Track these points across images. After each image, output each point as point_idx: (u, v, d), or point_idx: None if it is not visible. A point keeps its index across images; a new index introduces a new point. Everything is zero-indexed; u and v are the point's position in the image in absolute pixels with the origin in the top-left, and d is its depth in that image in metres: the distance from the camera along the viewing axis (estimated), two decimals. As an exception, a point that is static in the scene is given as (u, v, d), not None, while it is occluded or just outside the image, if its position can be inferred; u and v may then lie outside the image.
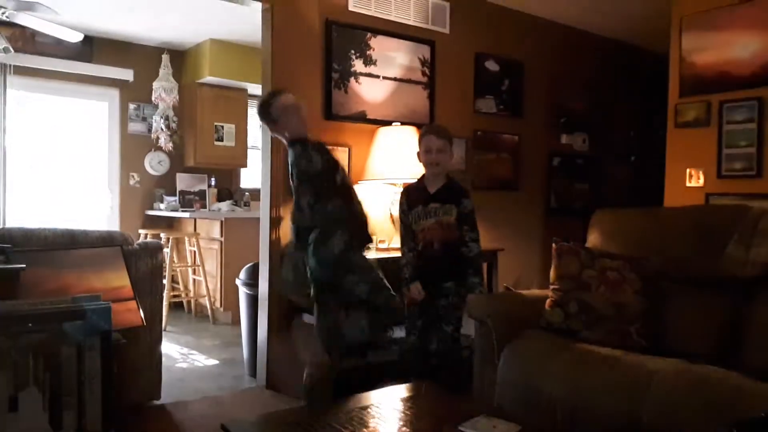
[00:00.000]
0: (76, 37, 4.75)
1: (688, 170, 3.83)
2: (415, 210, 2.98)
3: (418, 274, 2.94)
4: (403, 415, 1.81)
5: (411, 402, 1.92)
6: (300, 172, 2.69)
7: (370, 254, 3.02)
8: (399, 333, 3.72)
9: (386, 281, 2.83)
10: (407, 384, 2.09)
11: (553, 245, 2.75)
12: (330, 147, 3.77)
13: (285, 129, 2.81)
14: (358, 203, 2.84)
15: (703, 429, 1.81)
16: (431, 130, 3.05)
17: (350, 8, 3.86)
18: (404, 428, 1.71)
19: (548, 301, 2.63)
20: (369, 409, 1.85)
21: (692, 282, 2.51)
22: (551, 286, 2.67)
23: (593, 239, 2.93)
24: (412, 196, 3.01)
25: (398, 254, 3.63)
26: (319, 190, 2.68)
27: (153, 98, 5.96)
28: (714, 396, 1.89)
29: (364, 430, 1.69)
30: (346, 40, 3.84)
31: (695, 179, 3.80)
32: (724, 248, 2.43)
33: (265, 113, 2.87)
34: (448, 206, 2.91)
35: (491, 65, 4.64)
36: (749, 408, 1.75)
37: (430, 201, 2.94)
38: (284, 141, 2.84)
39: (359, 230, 2.80)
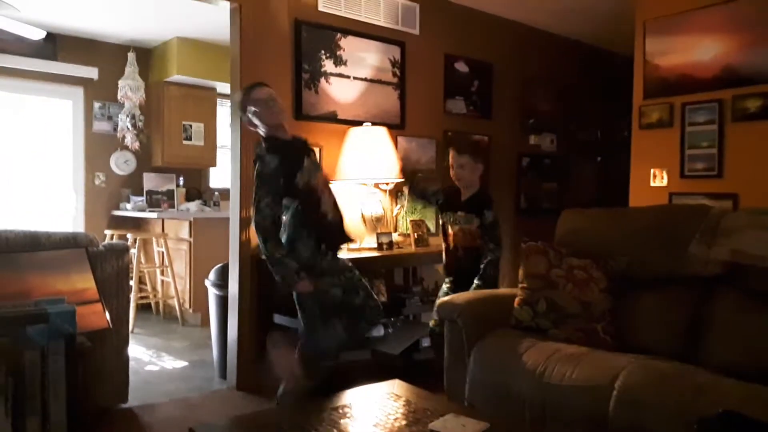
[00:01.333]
0: (38, 35, 4.64)
1: (652, 170, 3.92)
2: (447, 213, 3.23)
3: (450, 271, 3.24)
4: (374, 415, 1.82)
5: (382, 401, 1.92)
6: (257, 173, 2.67)
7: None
8: (377, 332, 3.74)
9: (364, 281, 2.83)
10: (378, 383, 2.09)
11: (522, 245, 2.79)
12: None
13: (257, 126, 2.79)
14: (329, 203, 2.82)
15: (666, 424, 1.86)
16: (453, 145, 3.32)
17: (320, 8, 3.85)
18: (375, 428, 1.71)
19: (517, 299, 2.67)
20: (340, 409, 1.85)
21: (656, 280, 2.57)
22: (520, 285, 2.71)
23: (561, 239, 2.98)
24: (449, 199, 3.25)
25: (370, 254, 3.66)
26: (276, 191, 2.63)
27: (119, 97, 5.84)
28: (677, 392, 1.94)
29: (335, 430, 1.69)
30: (316, 40, 3.83)
31: (659, 179, 3.88)
32: (686, 247, 2.49)
33: (239, 109, 2.85)
34: (470, 216, 3.12)
35: (461, 66, 4.68)
36: (711, 403, 1.80)
37: (459, 208, 3.17)
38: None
39: (328, 232, 2.78)
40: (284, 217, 2.71)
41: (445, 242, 3.26)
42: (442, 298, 2.80)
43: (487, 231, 3.08)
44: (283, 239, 2.69)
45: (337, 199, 2.91)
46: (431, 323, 3.26)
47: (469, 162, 3.14)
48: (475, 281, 3.04)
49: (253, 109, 2.75)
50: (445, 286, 3.27)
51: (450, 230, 3.20)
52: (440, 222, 3.34)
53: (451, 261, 3.22)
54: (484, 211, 3.09)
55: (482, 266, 3.05)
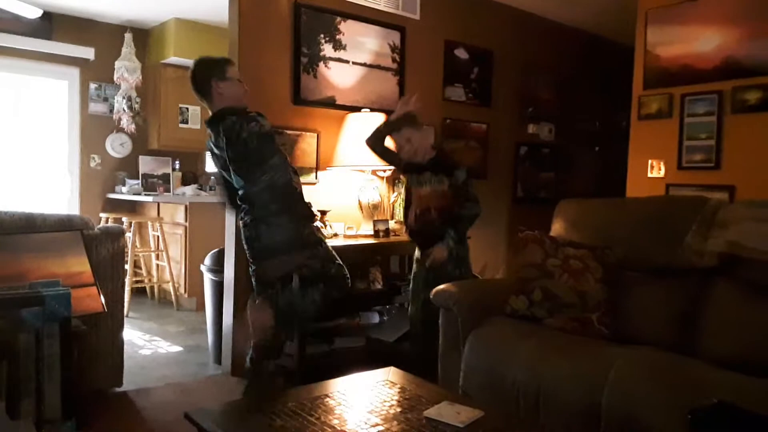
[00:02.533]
0: (34, 13, 4.59)
1: (649, 161, 3.91)
2: (412, 174, 3.10)
3: (421, 235, 3.09)
4: (368, 401, 1.82)
5: (377, 388, 1.92)
6: (259, 131, 2.46)
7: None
8: (367, 319, 3.75)
9: (333, 251, 2.74)
10: (373, 371, 2.09)
11: (518, 234, 2.78)
12: (298, 132, 3.76)
13: (227, 99, 2.57)
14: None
15: (660, 415, 1.87)
16: (386, 131, 3.14)
17: (320, -9, 3.82)
18: (370, 415, 1.72)
19: (513, 288, 2.67)
20: (335, 396, 1.85)
21: (652, 271, 2.57)
22: (516, 274, 2.71)
23: (557, 228, 2.98)
24: (407, 164, 3.11)
25: (366, 241, 3.66)
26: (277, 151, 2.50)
27: (115, 78, 5.80)
28: (671, 383, 1.95)
29: (330, 417, 1.70)
30: (315, 23, 3.79)
31: (656, 170, 3.88)
32: (683, 239, 2.49)
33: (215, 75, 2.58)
34: (440, 176, 3.00)
35: (461, 53, 4.65)
36: (705, 394, 1.80)
37: (424, 169, 3.04)
38: (212, 110, 2.59)
39: (305, 203, 2.67)
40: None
41: (412, 205, 3.12)
42: (439, 287, 2.77)
43: (462, 190, 2.98)
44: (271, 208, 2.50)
45: None
46: (410, 313, 3.25)
47: (413, 133, 3.02)
48: (451, 234, 2.95)
49: (227, 83, 2.57)
50: (414, 268, 3.19)
51: (420, 192, 3.06)
52: (407, 184, 3.19)
53: (421, 222, 3.06)
54: (455, 171, 2.98)
55: (457, 220, 2.97)
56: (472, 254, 3.21)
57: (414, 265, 3.24)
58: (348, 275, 2.71)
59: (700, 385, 1.91)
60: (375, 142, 3.19)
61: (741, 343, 2.20)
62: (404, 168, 3.19)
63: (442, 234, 2.99)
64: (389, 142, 3.22)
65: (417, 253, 3.21)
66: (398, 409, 1.76)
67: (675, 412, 1.79)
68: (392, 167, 3.79)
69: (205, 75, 2.59)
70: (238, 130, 2.45)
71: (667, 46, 3.84)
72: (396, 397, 1.86)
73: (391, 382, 1.98)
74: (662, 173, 3.86)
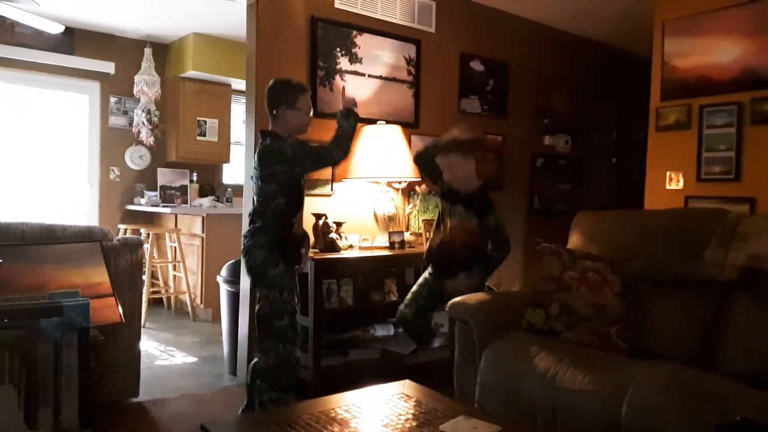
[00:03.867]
0: (56, 29, 4.67)
1: (668, 173, 3.87)
2: (447, 202, 3.09)
3: (439, 261, 3.14)
4: (383, 415, 1.81)
5: (392, 401, 1.91)
6: (311, 147, 2.76)
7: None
8: (382, 331, 3.74)
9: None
10: (389, 384, 2.08)
11: (536, 246, 2.76)
12: (315, 144, 3.79)
13: (290, 128, 2.76)
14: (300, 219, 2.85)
15: (681, 431, 1.83)
16: (436, 148, 3.12)
17: (336, 5, 3.85)
18: (384, 428, 1.70)
19: (530, 301, 2.65)
20: (350, 409, 1.84)
21: (671, 284, 2.54)
22: (533, 287, 2.69)
23: (575, 241, 2.95)
24: (451, 189, 3.08)
25: (381, 252, 3.66)
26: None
27: (135, 92, 5.88)
28: (692, 399, 1.91)
29: (344, 430, 1.69)
30: (331, 37, 3.83)
31: (675, 182, 3.84)
32: (703, 251, 2.46)
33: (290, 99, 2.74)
34: (470, 214, 3.00)
35: (476, 65, 4.65)
36: (726, 410, 1.77)
37: (459, 202, 3.03)
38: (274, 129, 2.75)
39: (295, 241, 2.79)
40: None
41: (439, 231, 3.13)
42: (455, 299, 2.77)
43: (492, 236, 2.99)
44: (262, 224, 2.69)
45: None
46: (400, 312, 3.27)
47: (457, 159, 2.98)
48: (477, 271, 3.01)
49: (294, 113, 2.73)
50: (426, 274, 3.22)
51: (449, 222, 3.07)
52: (439, 207, 3.19)
53: (445, 252, 3.08)
54: (486, 215, 2.98)
55: (487, 260, 3.00)
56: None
57: (427, 273, 3.23)
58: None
59: (722, 400, 1.87)
60: (423, 159, 3.22)
61: (762, 356, 2.16)
62: (442, 193, 3.17)
63: (466, 265, 3.02)
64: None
65: (430, 269, 3.23)
66: (413, 423, 1.75)
67: (696, 428, 1.76)
68: (408, 179, 3.80)
69: (276, 100, 2.73)
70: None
71: (685, 57, 3.81)
72: (411, 411, 1.84)
73: (407, 396, 1.97)
74: (681, 185, 3.81)
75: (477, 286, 3.01)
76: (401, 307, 3.27)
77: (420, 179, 3.85)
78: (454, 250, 3.05)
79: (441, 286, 3.12)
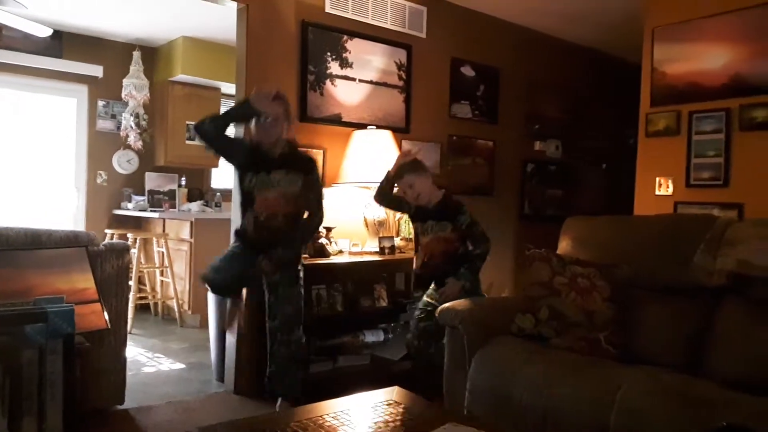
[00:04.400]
0: (44, 32, 4.64)
1: (657, 179, 3.89)
2: (417, 223, 3.18)
3: (426, 282, 3.21)
4: (372, 422, 1.79)
5: (380, 408, 1.89)
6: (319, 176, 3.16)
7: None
8: (372, 337, 3.72)
9: None
10: (377, 390, 2.06)
11: (526, 252, 2.76)
12: (304, 149, 3.78)
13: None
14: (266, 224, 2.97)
15: (670, 437, 1.83)
16: (388, 175, 3.21)
17: (327, 10, 3.84)
18: (374, 436, 1.69)
19: (520, 306, 2.64)
20: (338, 416, 1.82)
21: (660, 290, 2.54)
22: (523, 292, 2.68)
23: (564, 246, 2.96)
24: (419, 209, 3.14)
25: (370, 257, 3.65)
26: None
27: (123, 95, 5.84)
28: (680, 404, 1.91)
29: (333, 437, 1.67)
30: (322, 41, 3.82)
31: (664, 188, 3.86)
32: (691, 257, 2.46)
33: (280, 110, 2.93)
34: (443, 223, 3.05)
35: (467, 70, 4.66)
36: (714, 415, 1.77)
37: (428, 217, 3.09)
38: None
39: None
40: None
41: (418, 253, 3.21)
42: (445, 305, 2.76)
43: (468, 234, 3.04)
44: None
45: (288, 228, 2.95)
46: (407, 340, 3.29)
47: (414, 178, 3.04)
48: (463, 272, 3.01)
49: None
50: (425, 296, 3.21)
51: (424, 240, 3.12)
52: (414, 231, 3.29)
53: (429, 270, 3.14)
54: (458, 216, 3.02)
55: (471, 259, 3.03)
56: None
57: (425, 295, 3.22)
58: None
59: (710, 406, 1.87)
60: (382, 196, 3.26)
61: (750, 362, 2.16)
62: (412, 218, 3.26)
63: (453, 271, 3.03)
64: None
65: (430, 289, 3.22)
66: (402, 430, 1.73)
67: (686, 434, 1.75)
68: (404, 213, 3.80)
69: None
70: None
71: (674, 64, 3.83)
72: (400, 418, 1.82)
73: (396, 402, 1.95)
74: (670, 191, 3.83)
75: (469, 288, 3.02)
76: (407, 336, 3.29)
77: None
78: (436, 264, 3.09)
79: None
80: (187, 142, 6.06)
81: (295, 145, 3.04)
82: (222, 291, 3.18)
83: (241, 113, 2.95)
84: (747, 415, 1.76)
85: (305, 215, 3.02)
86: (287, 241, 2.94)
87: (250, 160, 2.95)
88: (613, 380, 2.09)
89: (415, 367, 3.31)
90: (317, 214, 3.00)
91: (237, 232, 3.11)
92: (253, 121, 2.92)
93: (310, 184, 2.96)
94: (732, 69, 3.58)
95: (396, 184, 3.16)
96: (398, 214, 4.08)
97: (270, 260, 2.91)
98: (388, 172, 3.19)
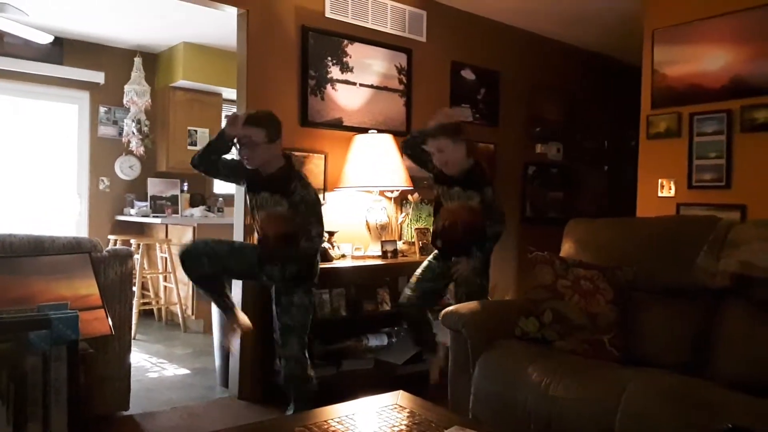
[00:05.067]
0: (45, 39, 4.65)
1: (659, 180, 3.89)
2: (442, 186, 3.08)
3: (444, 246, 3.14)
4: (377, 426, 1.79)
5: (385, 413, 1.90)
6: (312, 199, 2.84)
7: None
8: (375, 341, 3.72)
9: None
10: (382, 394, 2.07)
11: (528, 254, 2.76)
12: (306, 153, 3.78)
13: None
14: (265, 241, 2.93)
15: (675, 439, 1.83)
16: (425, 132, 3.10)
17: (327, 15, 3.85)
18: (379, 440, 1.69)
19: (523, 310, 2.64)
20: (342, 420, 1.82)
21: (664, 292, 2.54)
22: (526, 296, 2.68)
23: (567, 249, 2.95)
24: (441, 174, 3.07)
25: (374, 262, 3.65)
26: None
27: (125, 101, 5.86)
28: (684, 406, 1.91)
29: (339, 442, 1.67)
30: (322, 46, 3.83)
31: (667, 189, 3.86)
32: (694, 259, 2.46)
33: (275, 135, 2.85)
34: (470, 192, 2.99)
35: (467, 74, 4.67)
36: (719, 417, 1.77)
37: (454, 183, 3.02)
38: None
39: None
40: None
41: (439, 214, 3.13)
42: (448, 309, 2.76)
43: (487, 208, 2.98)
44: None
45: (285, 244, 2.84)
46: (404, 297, 3.28)
47: (448, 143, 2.95)
48: (477, 252, 2.98)
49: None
50: (431, 257, 3.23)
51: (448, 206, 3.06)
52: (436, 192, 3.19)
53: (448, 236, 3.07)
54: (484, 188, 2.96)
55: (486, 239, 2.99)
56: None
57: (432, 257, 3.24)
58: None
59: (713, 408, 1.87)
60: (410, 147, 3.20)
61: (754, 363, 2.16)
62: (435, 178, 3.16)
63: (467, 248, 2.99)
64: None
65: (435, 253, 3.24)
66: (407, 434, 1.73)
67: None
68: (400, 188, 3.80)
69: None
70: None
71: (674, 66, 3.84)
72: (405, 422, 1.83)
73: (400, 406, 1.95)
74: (672, 192, 3.83)
75: (480, 269, 3.04)
76: (405, 291, 3.27)
77: (412, 188, 3.85)
78: (456, 232, 3.04)
79: (447, 270, 3.11)
80: (189, 147, 6.07)
81: (289, 163, 2.92)
82: (193, 268, 2.84)
83: (220, 143, 2.84)
84: (751, 417, 1.76)
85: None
86: (280, 261, 2.83)
87: (250, 180, 2.93)
88: (617, 383, 2.09)
89: (409, 324, 3.38)
90: (307, 239, 2.77)
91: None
92: (236, 148, 2.86)
93: (294, 206, 2.78)
94: (732, 70, 3.58)
95: (428, 142, 3.03)
96: (400, 217, 4.08)
97: (268, 278, 2.88)
98: (425, 127, 3.11)
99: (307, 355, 2.92)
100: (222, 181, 3.16)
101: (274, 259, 2.82)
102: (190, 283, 5.18)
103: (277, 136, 2.84)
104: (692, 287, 2.46)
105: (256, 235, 2.99)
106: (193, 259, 2.79)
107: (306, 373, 2.89)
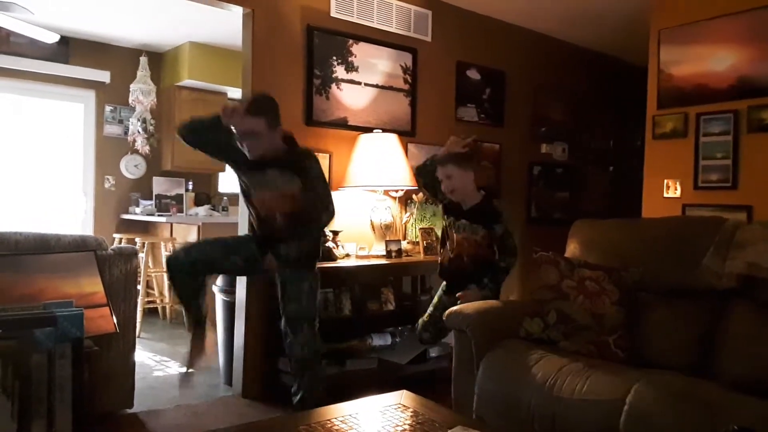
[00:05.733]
0: (51, 38, 4.67)
1: (665, 181, 3.87)
2: (450, 217, 3.09)
3: (450, 276, 3.14)
4: (380, 425, 1.79)
5: (389, 412, 1.89)
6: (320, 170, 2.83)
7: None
8: (379, 341, 3.72)
9: None
10: (386, 394, 2.06)
11: (533, 255, 2.75)
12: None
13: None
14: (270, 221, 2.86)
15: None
16: (436, 158, 3.09)
17: (332, 14, 3.85)
18: (383, 439, 1.68)
19: (528, 310, 2.63)
20: (346, 420, 1.82)
21: (669, 293, 2.53)
22: (531, 296, 2.67)
23: (572, 249, 2.95)
24: (453, 203, 3.07)
25: (378, 261, 3.65)
26: None
27: (130, 101, 5.88)
28: (690, 408, 1.90)
29: (342, 441, 1.67)
30: (327, 46, 3.83)
31: (672, 190, 3.84)
32: (700, 260, 2.45)
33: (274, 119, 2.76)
34: (475, 226, 2.98)
35: (473, 74, 4.66)
36: (724, 419, 1.76)
37: (462, 216, 3.02)
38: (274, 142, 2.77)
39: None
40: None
41: (446, 246, 3.13)
42: (452, 309, 2.75)
43: (499, 244, 2.97)
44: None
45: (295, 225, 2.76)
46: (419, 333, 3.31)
47: (455, 170, 2.94)
48: (487, 282, 2.96)
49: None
50: (440, 292, 3.23)
51: (454, 236, 3.07)
52: (444, 223, 3.18)
53: (454, 267, 3.09)
54: (494, 225, 2.95)
55: (495, 270, 2.98)
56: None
57: (441, 290, 3.23)
58: None
59: (719, 409, 1.86)
60: (422, 172, 3.19)
61: (760, 365, 2.14)
62: (444, 208, 3.15)
63: (475, 278, 2.99)
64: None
65: (444, 285, 3.23)
66: (411, 434, 1.73)
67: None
68: (404, 188, 3.80)
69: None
70: None
71: (681, 66, 3.82)
72: (409, 422, 1.82)
73: (404, 406, 1.95)
74: (678, 193, 3.81)
75: (488, 297, 2.99)
76: (421, 331, 3.28)
77: (417, 188, 3.85)
78: (462, 264, 3.04)
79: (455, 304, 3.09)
80: (194, 146, 6.08)
81: (291, 142, 2.84)
82: (181, 273, 2.79)
83: (214, 130, 2.72)
84: (756, 418, 1.75)
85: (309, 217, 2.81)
86: (292, 239, 2.78)
87: (244, 162, 2.81)
88: (622, 384, 2.08)
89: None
90: (321, 216, 2.76)
91: (249, 224, 3.03)
92: (236, 137, 2.75)
93: (306, 183, 2.73)
94: (739, 70, 3.56)
95: (437, 169, 3.02)
96: (405, 217, 4.08)
97: (277, 257, 2.78)
98: (437, 153, 3.11)
99: (319, 339, 2.90)
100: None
101: (291, 238, 2.74)
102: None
103: (278, 121, 2.75)
104: (698, 288, 2.45)
105: (255, 215, 2.87)
106: (183, 270, 2.75)
107: (319, 358, 2.88)
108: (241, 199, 3.13)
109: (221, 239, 2.96)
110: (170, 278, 2.82)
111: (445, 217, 3.14)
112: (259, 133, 2.69)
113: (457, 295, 2.99)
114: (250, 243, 2.88)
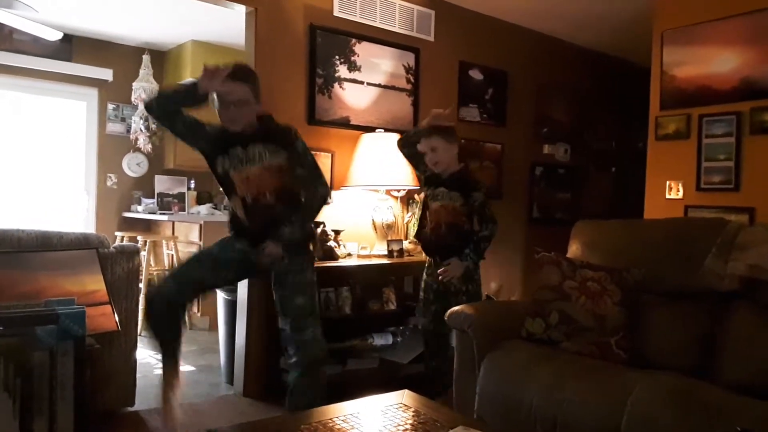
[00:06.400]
0: (55, 36, 4.67)
1: (668, 182, 3.87)
2: (430, 187, 3.11)
3: (431, 250, 3.14)
4: (382, 425, 1.79)
5: (390, 412, 1.89)
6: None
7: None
8: (381, 340, 3.72)
9: None
10: (387, 393, 2.06)
11: (535, 255, 2.75)
12: (313, 152, 3.79)
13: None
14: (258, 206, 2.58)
15: (682, 442, 1.82)
16: (420, 131, 3.09)
17: (335, 14, 3.85)
18: (384, 439, 1.68)
19: (529, 311, 2.63)
20: (347, 419, 1.82)
21: (671, 294, 2.53)
22: (532, 296, 2.67)
23: (574, 250, 2.94)
24: (433, 174, 3.10)
25: (380, 261, 3.65)
26: None
27: (133, 99, 5.88)
28: (691, 410, 1.90)
29: (344, 440, 1.67)
30: (330, 45, 3.82)
31: (675, 191, 3.84)
32: (702, 261, 2.45)
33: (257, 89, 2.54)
34: (454, 193, 3.00)
35: (475, 74, 4.66)
36: (725, 421, 1.76)
37: (440, 184, 3.04)
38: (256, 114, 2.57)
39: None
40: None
41: (425, 218, 3.15)
42: (454, 308, 2.75)
43: (478, 212, 2.99)
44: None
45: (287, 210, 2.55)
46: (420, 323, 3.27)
47: (441, 143, 2.98)
48: (468, 252, 2.97)
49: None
50: (425, 275, 3.20)
51: (432, 206, 3.08)
52: (424, 195, 3.19)
53: (433, 239, 3.09)
54: (472, 193, 2.98)
55: (476, 239, 2.98)
56: (488, 276, 3.19)
57: (424, 275, 3.23)
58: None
59: (721, 410, 1.86)
60: (405, 144, 3.20)
61: (762, 368, 2.15)
62: (425, 179, 3.19)
63: (458, 250, 2.99)
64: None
65: (428, 262, 3.21)
66: (413, 434, 1.73)
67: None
68: (406, 187, 3.80)
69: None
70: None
71: (684, 67, 3.81)
72: (410, 421, 1.82)
73: (405, 406, 1.95)
74: (681, 195, 3.81)
75: (472, 270, 3.02)
76: (421, 324, 3.28)
77: (419, 187, 3.84)
78: (440, 234, 3.05)
79: (445, 285, 3.07)
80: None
81: (270, 119, 2.62)
82: (161, 307, 2.54)
83: (189, 96, 2.43)
84: (757, 420, 1.75)
85: (302, 194, 2.60)
86: (290, 218, 2.51)
87: (218, 143, 2.55)
88: (624, 385, 2.08)
89: (429, 351, 3.28)
90: (317, 189, 2.57)
91: (230, 222, 2.65)
92: (216, 105, 2.49)
93: (296, 157, 2.53)
94: (742, 72, 3.56)
95: (421, 141, 3.05)
96: (407, 217, 4.08)
97: (277, 241, 2.48)
98: (421, 124, 3.12)
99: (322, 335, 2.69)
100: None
101: (291, 217, 2.50)
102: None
103: (260, 94, 2.56)
104: (700, 290, 2.45)
105: (240, 202, 2.57)
106: (165, 303, 2.51)
107: (326, 354, 2.69)
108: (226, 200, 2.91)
109: (204, 252, 2.84)
110: (148, 314, 2.57)
111: (426, 188, 3.17)
112: (245, 102, 2.48)
113: (438, 272, 3.00)
114: (236, 242, 2.62)
